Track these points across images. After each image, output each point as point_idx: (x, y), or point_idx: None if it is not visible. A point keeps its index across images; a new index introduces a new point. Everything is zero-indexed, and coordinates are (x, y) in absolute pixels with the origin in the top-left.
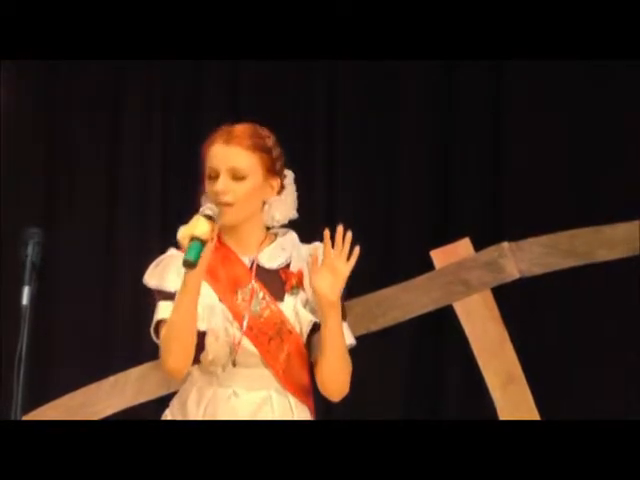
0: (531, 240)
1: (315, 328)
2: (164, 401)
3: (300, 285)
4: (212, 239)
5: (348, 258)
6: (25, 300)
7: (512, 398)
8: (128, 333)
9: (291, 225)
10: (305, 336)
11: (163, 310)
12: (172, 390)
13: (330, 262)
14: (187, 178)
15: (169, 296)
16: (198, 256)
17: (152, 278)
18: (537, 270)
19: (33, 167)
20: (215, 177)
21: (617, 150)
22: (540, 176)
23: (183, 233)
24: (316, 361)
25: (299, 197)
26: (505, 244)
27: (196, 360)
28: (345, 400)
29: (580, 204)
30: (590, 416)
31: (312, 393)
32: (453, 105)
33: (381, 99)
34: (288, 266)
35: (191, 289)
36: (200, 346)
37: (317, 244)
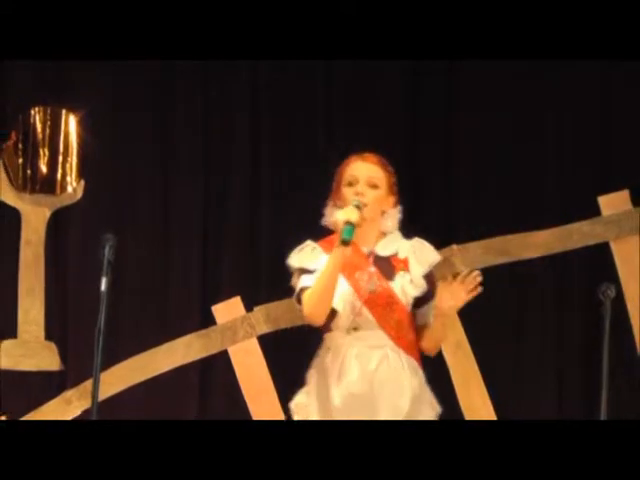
0: (474, 243)
1: (418, 301)
2: (204, 361)
3: (406, 268)
4: (359, 224)
5: (472, 291)
6: (103, 287)
7: (460, 360)
8: (178, 310)
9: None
10: (410, 306)
11: (305, 280)
12: (210, 354)
13: (454, 289)
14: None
15: (308, 272)
16: (351, 236)
17: (295, 261)
18: (478, 265)
19: (108, 184)
20: (355, 183)
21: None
22: (483, 190)
23: (339, 218)
24: (422, 330)
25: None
26: (454, 246)
27: (327, 328)
28: None
29: (511, 213)
30: (520, 371)
31: (418, 348)
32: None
33: (350, 101)
34: (396, 254)
35: (339, 259)
36: (331, 316)
37: (417, 239)
